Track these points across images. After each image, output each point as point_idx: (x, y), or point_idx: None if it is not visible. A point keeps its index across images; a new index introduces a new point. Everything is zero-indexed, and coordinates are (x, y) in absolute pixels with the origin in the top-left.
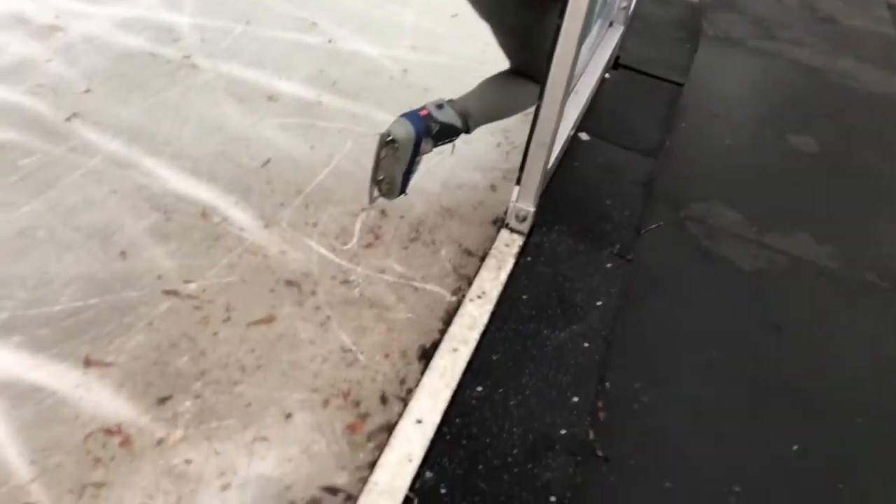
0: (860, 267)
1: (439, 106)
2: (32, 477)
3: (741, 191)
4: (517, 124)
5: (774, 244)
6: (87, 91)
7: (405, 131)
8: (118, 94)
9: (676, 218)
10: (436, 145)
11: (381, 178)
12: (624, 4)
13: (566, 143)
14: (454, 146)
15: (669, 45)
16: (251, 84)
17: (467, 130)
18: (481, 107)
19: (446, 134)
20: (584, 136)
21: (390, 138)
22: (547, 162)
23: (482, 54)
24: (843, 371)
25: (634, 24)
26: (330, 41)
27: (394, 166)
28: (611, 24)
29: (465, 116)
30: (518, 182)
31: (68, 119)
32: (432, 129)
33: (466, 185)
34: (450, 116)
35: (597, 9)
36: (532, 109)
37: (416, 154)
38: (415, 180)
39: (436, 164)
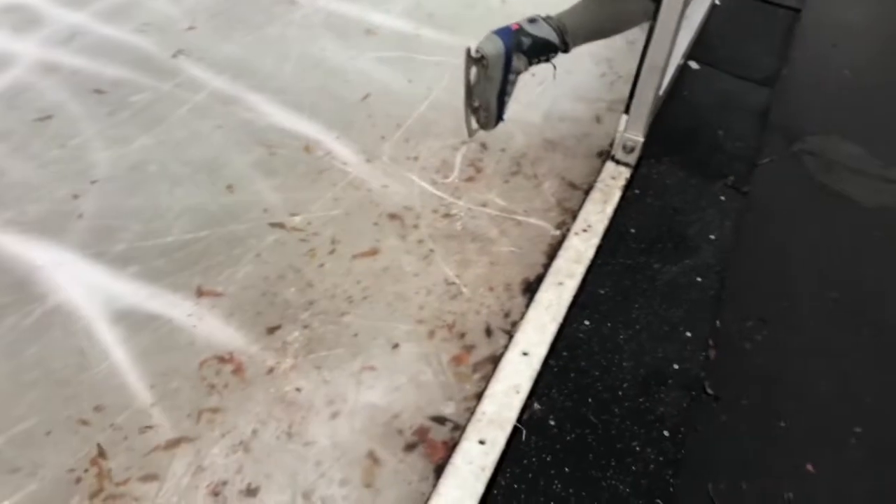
0: None
1: (532, 20)
2: (153, 401)
3: (862, 124)
4: (622, 53)
5: None
6: (191, 28)
7: (493, 46)
8: (220, 30)
9: (793, 151)
10: (531, 63)
11: (476, 104)
12: None
13: (676, 71)
14: (555, 70)
15: None
16: (348, 18)
17: (565, 48)
18: (581, 21)
19: (541, 50)
20: (694, 64)
21: (479, 55)
22: (658, 88)
23: None
24: None
25: None
26: None
27: (486, 88)
28: None
29: (561, 32)
30: (626, 111)
31: (174, 56)
32: (524, 44)
33: (569, 117)
34: (544, 31)
35: None
36: (635, 34)
37: (507, 72)
38: (515, 111)
39: (538, 95)
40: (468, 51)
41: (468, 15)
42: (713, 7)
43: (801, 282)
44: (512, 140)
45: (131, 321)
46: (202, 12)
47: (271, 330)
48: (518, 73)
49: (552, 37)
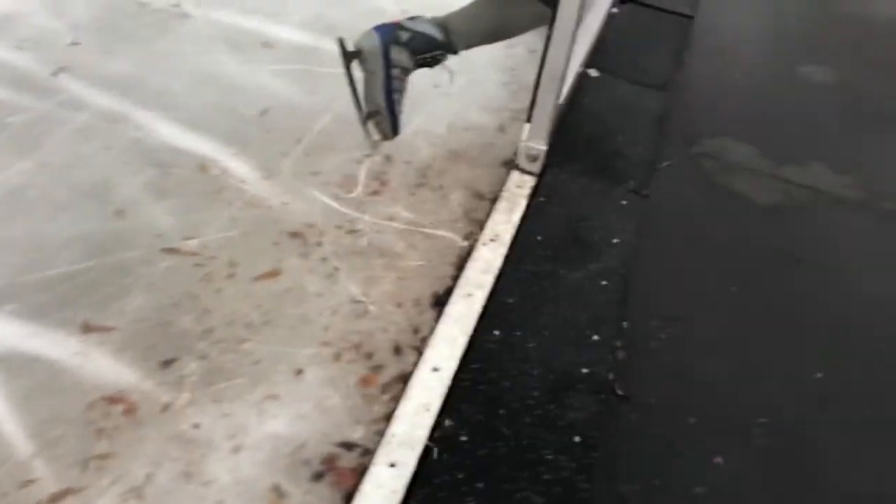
0: (879, 196)
1: (412, 18)
2: (34, 452)
3: (754, 125)
4: (525, 62)
5: (791, 177)
6: (74, 44)
7: (369, 38)
8: (106, 45)
9: (690, 154)
10: (416, 60)
11: (369, 109)
12: None
13: (576, 79)
14: (453, 76)
15: None
16: (244, 31)
17: (451, 47)
18: (467, 22)
19: (423, 45)
20: (593, 72)
21: (356, 49)
22: (558, 97)
23: None
24: (865, 300)
25: None
26: None
27: (371, 84)
28: None
29: (444, 29)
30: (528, 120)
31: (55, 73)
32: (401, 37)
33: (474, 127)
34: (423, 26)
35: None
36: (536, 43)
37: (388, 66)
38: (420, 123)
39: (442, 106)
40: (340, 42)
41: (368, 26)
42: (610, 15)
43: (702, 279)
44: (417, 152)
45: (8, 365)
46: (86, 27)
47: (166, 363)
48: (402, 67)
49: (433, 32)
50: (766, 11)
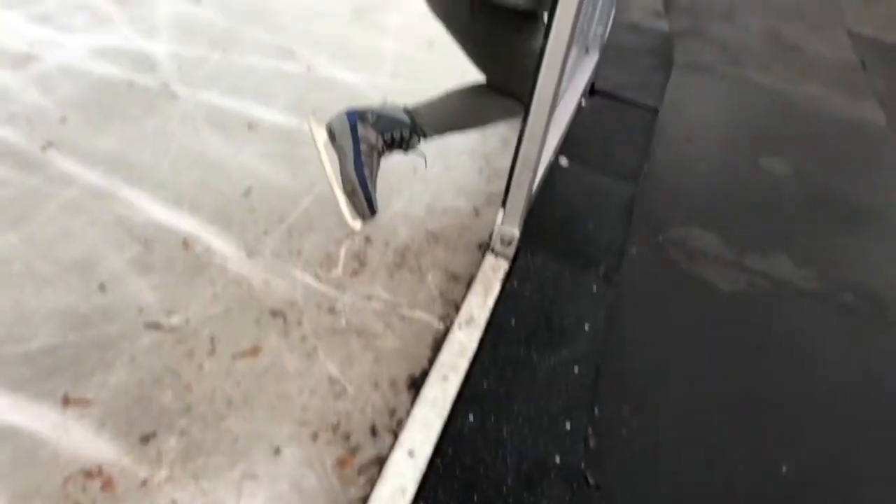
0: (837, 287)
1: (383, 104)
2: None
3: (719, 214)
4: (497, 151)
5: (753, 266)
6: (63, 120)
7: (337, 118)
8: (95, 123)
9: (657, 241)
10: (384, 139)
11: (344, 188)
12: (599, 30)
13: (548, 167)
14: (426, 160)
15: (643, 72)
16: (230, 112)
17: (416, 129)
18: (435, 110)
19: (390, 125)
20: (563, 161)
21: (326, 135)
22: (531, 185)
23: (460, 80)
24: (826, 390)
25: (609, 52)
26: (308, 68)
27: (342, 161)
28: (586, 52)
29: (412, 115)
30: (503, 205)
31: (44, 149)
32: (368, 117)
33: (450, 210)
34: (390, 110)
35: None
36: (508, 133)
37: (356, 142)
38: (399, 206)
39: (420, 191)
40: (308, 122)
41: None
42: (580, 107)
43: (670, 366)
44: (396, 233)
45: None
46: (76, 103)
47: (145, 439)
48: (369, 144)
49: (400, 115)
50: (728, 106)
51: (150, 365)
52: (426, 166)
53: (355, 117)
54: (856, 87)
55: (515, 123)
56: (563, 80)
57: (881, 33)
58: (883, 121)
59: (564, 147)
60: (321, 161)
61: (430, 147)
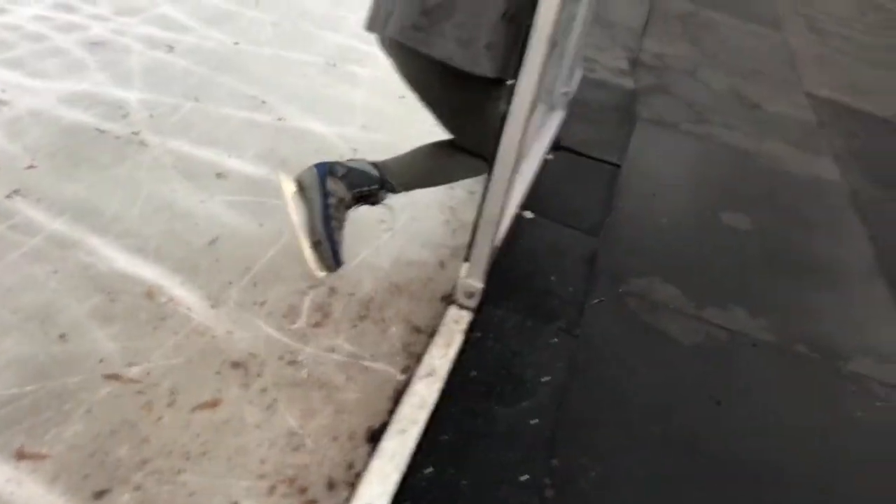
0: (792, 339)
1: (352, 158)
2: None
3: (678, 267)
4: (464, 203)
5: (711, 318)
6: (31, 167)
7: (307, 171)
8: (63, 170)
9: (618, 294)
10: (353, 192)
11: (310, 239)
12: (564, 91)
13: (512, 220)
14: (393, 212)
15: (607, 128)
16: (200, 161)
17: (390, 187)
18: (403, 165)
19: (359, 179)
20: (528, 214)
21: (295, 187)
22: (494, 239)
23: (430, 134)
24: (781, 441)
25: (576, 108)
26: (280, 119)
27: (311, 213)
28: (552, 109)
29: (381, 169)
30: (466, 259)
31: (9, 196)
32: (337, 171)
33: (416, 262)
34: (360, 164)
35: (539, 95)
36: (475, 186)
37: (325, 195)
38: (364, 257)
39: (386, 241)
40: (278, 174)
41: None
42: (545, 162)
43: (629, 418)
44: (360, 284)
45: None
46: (45, 150)
47: (99, 494)
48: (338, 197)
49: (369, 169)
50: (691, 162)
51: (107, 417)
52: (393, 218)
53: (325, 171)
54: (813, 145)
55: (483, 177)
56: (528, 138)
57: (836, 95)
58: (838, 177)
59: (529, 200)
60: (289, 213)
61: (398, 199)
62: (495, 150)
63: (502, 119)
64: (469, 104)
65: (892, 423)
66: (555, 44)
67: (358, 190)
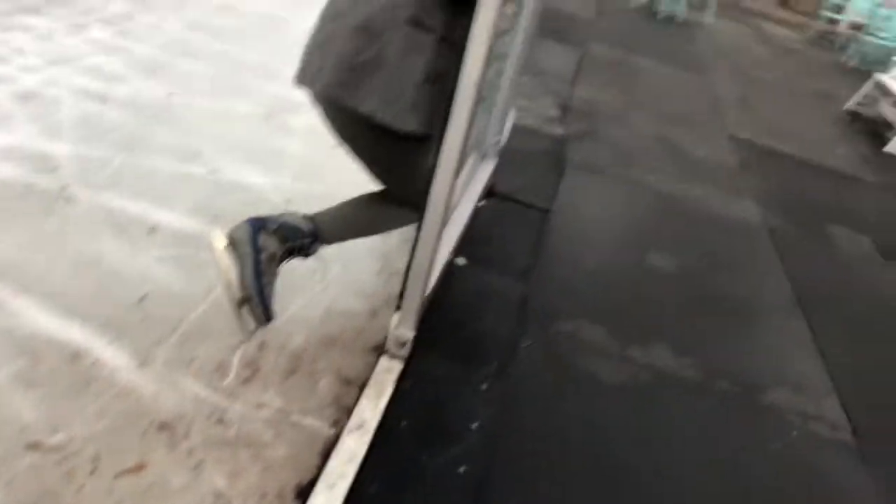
0: (713, 375)
1: (283, 213)
2: None
3: (606, 308)
4: (397, 250)
5: (637, 358)
6: None
7: (239, 227)
8: None
9: (547, 336)
10: (285, 246)
11: (241, 294)
12: (495, 140)
13: (444, 268)
14: (325, 264)
15: (538, 174)
16: (131, 216)
17: (320, 239)
18: (334, 218)
19: (290, 234)
20: (461, 260)
21: (227, 242)
22: (425, 290)
23: (363, 183)
24: (703, 473)
25: (506, 156)
26: (214, 171)
27: (242, 268)
28: (483, 158)
29: (312, 221)
30: (398, 308)
31: None
32: (269, 226)
33: (348, 313)
34: (290, 218)
35: (470, 145)
36: (410, 233)
37: (256, 251)
38: (296, 310)
39: (318, 293)
40: (211, 233)
41: (253, 214)
42: (478, 208)
43: (558, 458)
44: (291, 337)
45: None
46: None
47: None
48: (269, 252)
49: (300, 223)
50: (618, 205)
51: (27, 488)
52: (325, 270)
53: (257, 226)
54: (734, 186)
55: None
56: (459, 185)
57: (757, 137)
58: (757, 217)
59: (462, 247)
60: (219, 268)
61: (331, 248)
62: (425, 201)
63: (431, 171)
64: (396, 158)
65: (806, 451)
66: (481, 100)
67: (290, 244)
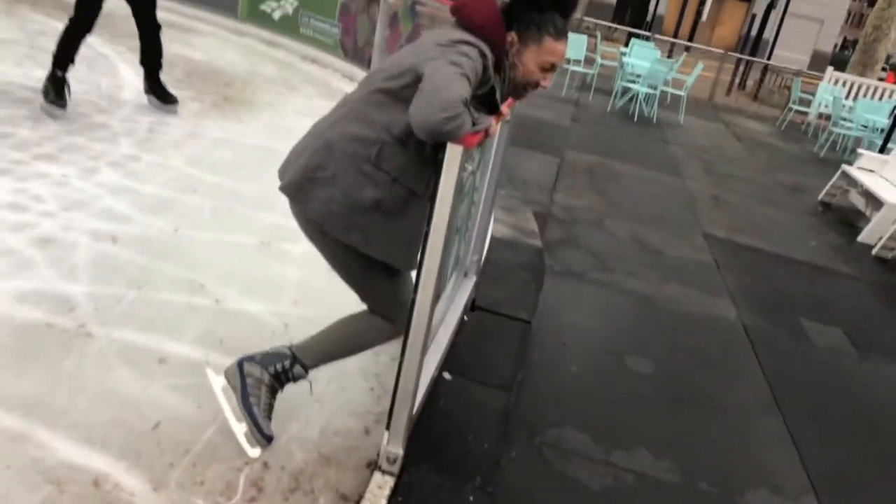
0: (694, 477)
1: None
2: None
3: (588, 414)
4: (388, 369)
5: (619, 462)
6: None
7: (231, 366)
8: (14, 367)
9: (533, 444)
10: (269, 372)
11: (239, 421)
12: (475, 258)
13: (431, 384)
14: (312, 386)
15: (518, 286)
16: (143, 348)
17: (302, 362)
18: (317, 342)
19: (272, 359)
20: (447, 375)
21: (224, 381)
22: (412, 409)
23: (358, 304)
24: None
25: (487, 269)
26: (217, 301)
27: (235, 397)
28: (465, 275)
29: (293, 349)
30: (387, 427)
31: None
32: (255, 357)
33: (342, 431)
34: (276, 347)
35: (450, 267)
36: (398, 351)
37: (243, 378)
38: (295, 430)
39: (315, 413)
40: (210, 376)
41: (255, 339)
42: (462, 323)
43: None
44: (291, 457)
45: None
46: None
47: None
48: (255, 377)
49: (279, 349)
50: (598, 310)
51: None
52: (311, 391)
53: (242, 360)
54: (711, 285)
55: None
56: (442, 304)
57: (731, 234)
58: (734, 315)
59: (448, 362)
60: (220, 403)
61: (326, 370)
62: (403, 315)
63: (406, 290)
64: (382, 283)
65: None
66: (455, 232)
67: (272, 367)
